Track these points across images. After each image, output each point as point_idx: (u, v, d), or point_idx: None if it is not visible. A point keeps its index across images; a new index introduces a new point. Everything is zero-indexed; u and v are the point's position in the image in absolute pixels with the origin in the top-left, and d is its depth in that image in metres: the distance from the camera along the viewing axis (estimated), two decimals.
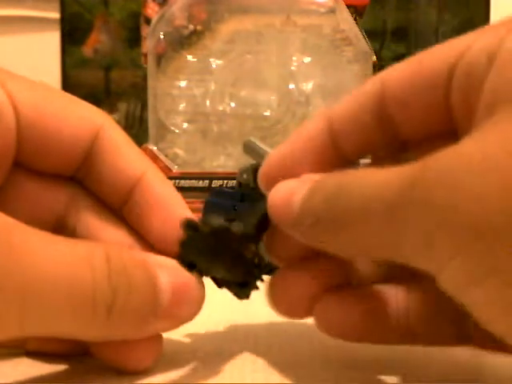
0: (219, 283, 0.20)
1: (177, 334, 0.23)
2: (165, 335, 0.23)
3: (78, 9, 1.02)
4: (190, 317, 0.19)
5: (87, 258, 0.16)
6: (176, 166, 0.55)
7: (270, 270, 0.21)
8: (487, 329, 0.14)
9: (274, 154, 0.20)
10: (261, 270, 0.20)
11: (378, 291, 0.20)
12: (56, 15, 1.02)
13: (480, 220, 0.13)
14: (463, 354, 0.22)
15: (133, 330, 0.17)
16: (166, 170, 0.50)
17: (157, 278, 0.17)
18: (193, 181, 0.58)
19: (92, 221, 0.20)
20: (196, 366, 0.20)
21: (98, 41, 0.99)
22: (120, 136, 0.20)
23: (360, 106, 0.19)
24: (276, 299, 0.20)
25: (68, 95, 0.20)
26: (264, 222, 0.20)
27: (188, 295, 0.18)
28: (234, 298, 0.30)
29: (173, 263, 0.19)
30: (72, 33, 1.02)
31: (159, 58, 0.64)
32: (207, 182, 0.58)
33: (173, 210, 0.20)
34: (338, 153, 0.19)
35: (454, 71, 0.17)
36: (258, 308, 0.28)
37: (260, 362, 0.20)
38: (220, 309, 0.27)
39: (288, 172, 0.19)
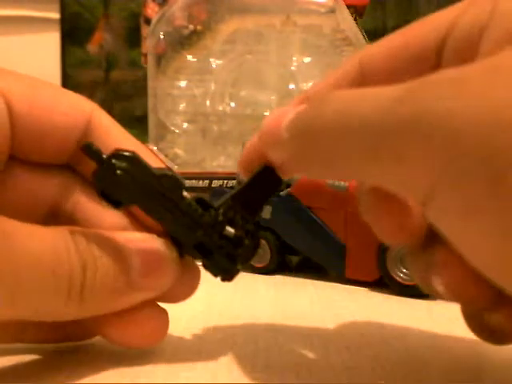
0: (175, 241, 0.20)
1: (176, 332, 0.23)
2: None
3: (78, 9, 1.02)
4: (165, 285, 0.19)
5: (63, 241, 0.17)
6: (176, 166, 0.56)
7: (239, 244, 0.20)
8: (481, 271, 0.13)
9: (314, 89, 0.20)
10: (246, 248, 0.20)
11: None
12: (56, 15, 1.02)
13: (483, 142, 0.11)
14: (463, 355, 0.22)
15: (108, 304, 0.18)
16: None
17: (124, 253, 0.18)
18: (193, 181, 0.58)
19: (87, 206, 0.20)
20: (195, 365, 0.20)
21: (103, 38, 0.99)
22: (109, 121, 0.21)
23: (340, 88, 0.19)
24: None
25: (55, 86, 0.20)
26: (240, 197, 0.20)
27: (160, 265, 0.19)
28: (235, 296, 0.30)
29: (143, 236, 0.19)
30: (72, 33, 1.02)
31: (159, 58, 0.64)
32: (207, 182, 0.58)
33: None
34: None
35: (446, 41, 0.16)
36: (258, 306, 0.28)
37: (260, 362, 0.20)
38: (220, 307, 0.27)
39: None
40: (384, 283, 0.31)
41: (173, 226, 0.19)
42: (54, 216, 0.20)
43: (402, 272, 0.30)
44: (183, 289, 0.20)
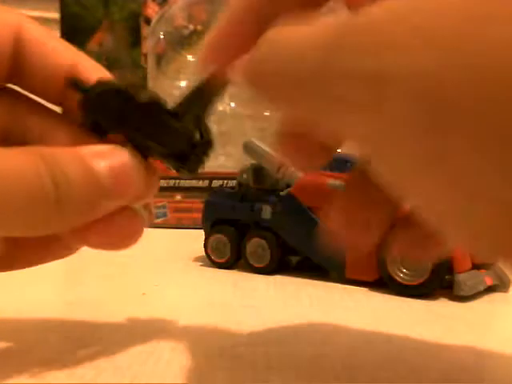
0: (153, 154, 0.20)
1: (176, 332, 0.23)
2: (164, 332, 0.23)
3: (78, 9, 1.02)
4: (136, 190, 0.19)
5: (33, 160, 0.17)
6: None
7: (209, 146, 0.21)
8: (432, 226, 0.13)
9: (207, 46, 0.19)
10: (203, 145, 0.21)
11: None
12: (56, 15, 1.02)
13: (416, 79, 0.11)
14: (463, 355, 0.22)
15: (86, 214, 0.18)
16: (166, 169, 0.49)
17: (91, 164, 0.18)
18: (193, 181, 0.58)
19: (39, 125, 0.20)
20: (195, 365, 0.20)
21: (104, 38, 0.99)
22: (41, 31, 0.20)
23: None
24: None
25: None
26: (197, 98, 0.20)
27: (128, 172, 0.19)
28: (235, 296, 0.30)
29: (108, 147, 0.19)
30: (72, 33, 1.02)
31: (159, 58, 0.64)
32: (207, 182, 0.58)
33: None
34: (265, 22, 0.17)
35: None
36: (258, 306, 0.28)
37: (260, 362, 0.20)
38: (220, 307, 0.27)
39: (225, 56, 0.19)
40: (384, 283, 0.31)
41: (155, 144, 0.20)
42: (6, 141, 0.20)
43: (401, 272, 0.30)
44: (147, 189, 0.20)
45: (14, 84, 0.20)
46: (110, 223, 0.19)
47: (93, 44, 1.00)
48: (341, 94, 0.13)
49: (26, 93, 0.21)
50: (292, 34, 0.15)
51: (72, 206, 0.18)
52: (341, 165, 0.34)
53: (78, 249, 0.22)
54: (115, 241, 0.20)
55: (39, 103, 0.21)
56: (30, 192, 0.17)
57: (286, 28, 0.15)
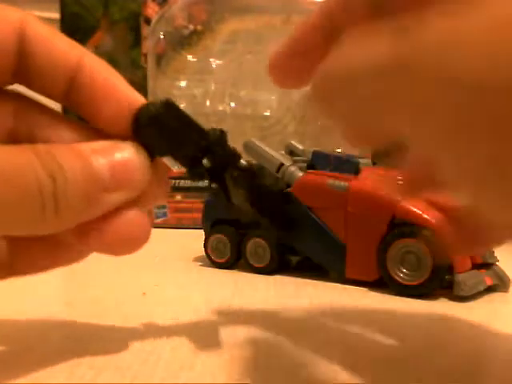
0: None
1: (176, 332, 0.23)
2: (164, 332, 0.23)
3: (77, 9, 1.02)
4: (138, 186, 0.19)
5: (27, 156, 0.17)
6: (176, 166, 0.56)
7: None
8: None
9: (275, 57, 0.19)
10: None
11: None
12: (56, 15, 1.02)
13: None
14: (463, 354, 0.22)
15: (84, 210, 0.18)
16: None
17: (89, 160, 0.18)
18: None
19: (45, 125, 0.20)
20: (195, 365, 0.20)
21: (104, 38, 0.99)
22: (46, 29, 0.20)
23: None
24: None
25: None
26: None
27: (131, 166, 0.19)
28: (235, 296, 0.30)
29: (108, 144, 0.19)
30: (72, 33, 1.02)
31: (159, 58, 0.64)
32: (207, 181, 0.58)
33: (118, 90, 0.20)
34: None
35: None
36: (258, 306, 0.28)
37: (260, 362, 0.20)
38: (220, 307, 0.27)
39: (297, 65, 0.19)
40: (384, 283, 0.31)
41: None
42: (14, 141, 0.20)
43: (401, 272, 0.30)
44: (155, 191, 0.20)
45: (19, 83, 0.20)
46: (112, 224, 0.19)
47: (93, 44, 1.00)
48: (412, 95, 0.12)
49: (31, 92, 0.20)
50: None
51: (70, 200, 0.17)
52: (340, 165, 0.34)
53: (81, 257, 0.21)
54: (117, 244, 0.19)
55: (44, 104, 0.20)
56: (24, 186, 0.16)
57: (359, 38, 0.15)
